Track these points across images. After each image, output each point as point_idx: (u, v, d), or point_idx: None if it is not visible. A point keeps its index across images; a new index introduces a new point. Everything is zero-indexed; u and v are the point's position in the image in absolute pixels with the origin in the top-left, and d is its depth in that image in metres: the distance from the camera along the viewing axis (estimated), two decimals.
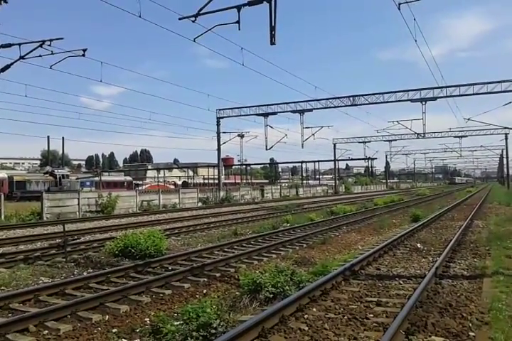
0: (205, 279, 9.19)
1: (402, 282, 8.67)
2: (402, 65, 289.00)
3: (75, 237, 16.17)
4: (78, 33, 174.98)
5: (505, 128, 51.18)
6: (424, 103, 37.48)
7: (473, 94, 35.24)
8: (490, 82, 34.56)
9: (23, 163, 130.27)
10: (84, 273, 9.95)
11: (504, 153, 74.83)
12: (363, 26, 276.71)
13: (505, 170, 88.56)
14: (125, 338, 5.88)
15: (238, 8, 13.12)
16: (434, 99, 36.68)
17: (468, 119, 41.92)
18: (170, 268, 10.42)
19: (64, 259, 11.60)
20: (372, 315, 6.46)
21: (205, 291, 8.29)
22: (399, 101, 38.07)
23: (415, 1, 14.46)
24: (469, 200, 40.91)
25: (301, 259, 11.44)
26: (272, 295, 7.12)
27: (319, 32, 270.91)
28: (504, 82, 34.37)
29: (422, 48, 23.36)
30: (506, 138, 64.39)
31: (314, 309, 6.80)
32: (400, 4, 14.18)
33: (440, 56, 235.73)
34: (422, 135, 48.05)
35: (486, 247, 12.62)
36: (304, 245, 14.08)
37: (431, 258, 11.24)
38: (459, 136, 60.89)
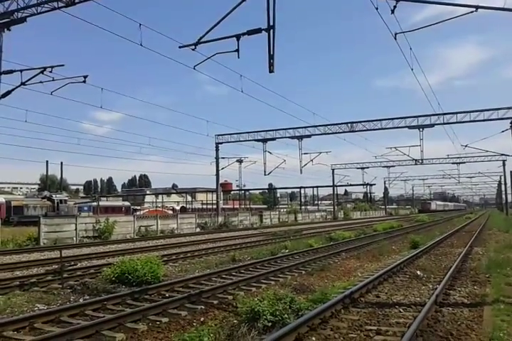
0: (203, 307, 9.06)
1: (402, 310, 8.57)
2: (400, 93, 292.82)
3: (72, 263, 16.03)
4: (80, 60, 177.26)
5: (503, 155, 51.39)
6: (421, 130, 37.87)
7: (470, 122, 35.69)
8: (487, 110, 35.05)
9: (21, 188, 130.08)
10: (81, 300, 9.81)
11: (502, 179, 75.11)
12: (361, 56, 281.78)
13: (503, 196, 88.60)
14: None
15: (237, 37, 13.44)
16: (432, 125, 37.09)
17: (466, 146, 42.36)
18: (167, 295, 10.30)
19: (60, 286, 11.47)
20: None
21: (202, 319, 8.17)
22: (396, 127, 38.52)
23: (411, 31, 14.81)
24: (468, 227, 40.74)
25: (300, 286, 11.31)
26: (270, 324, 7.03)
27: (316, 58, 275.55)
28: (500, 109, 34.87)
29: (419, 76, 23.77)
30: (504, 165, 64.71)
31: (313, 338, 6.71)
32: (396, 34, 14.53)
33: (437, 84, 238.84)
34: (420, 161, 48.25)
35: (486, 274, 12.52)
36: (303, 272, 13.95)
37: (431, 286, 11.13)
38: (456, 163, 61.31)
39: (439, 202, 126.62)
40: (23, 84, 21.29)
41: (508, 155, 42.60)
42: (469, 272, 13.25)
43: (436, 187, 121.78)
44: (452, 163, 62.07)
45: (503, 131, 37.15)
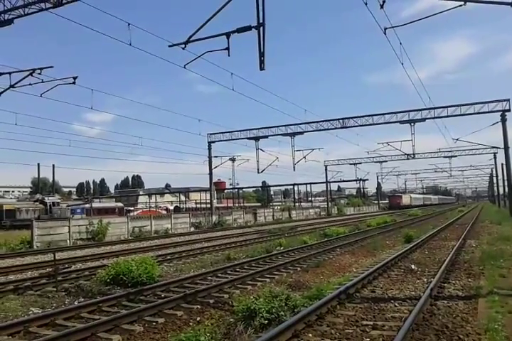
0: (199, 306, 9.05)
1: (397, 304, 8.60)
2: (391, 88, 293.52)
3: (66, 266, 15.95)
4: (69, 61, 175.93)
5: (494, 147, 51.69)
6: (412, 124, 37.91)
7: (460, 115, 35.79)
8: (477, 103, 35.17)
9: (13, 191, 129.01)
10: (76, 303, 9.77)
11: (494, 172, 75.56)
12: (352, 52, 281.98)
13: (495, 189, 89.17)
14: None
15: (227, 35, 13.40)
16: (423, 120, 37.15)
17: (457, 139, 42.65)
18: (162, 295, 10.27)
19: (55, 289, 11.40)
20: (368, 339, 6.39)
21: (198, 319, 8.15)
22: (388, 123, 38.55)
23: (400, 26, 14.84)
24: (461, 220, 41.00)
25: (296, 283, 11.33)
26: (266, 321, 7.02)
27: (307, 55, 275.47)
28: (490, 102, 35.01)
29: (409, 71, 23.83)
30: (495, 158, 65.00)
31: (310, 334, 6.72)
32: (385, 29, 14.55)
33: (428, 78, 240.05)
34: (412, 156, 48.39)
35: (480, 267, 12.61)
36: (298, 268, 13.97)
37: (425, 279, 11.19)
38: (448, 156, 61.51)
39: (415, 195, 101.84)
40: (12, 86, 21.13)
41: (499, 148, 42.69)
42: (463, 265, 13.34)
43: (428, 181, 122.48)
44: (444, 157, 62.29)
45: (493, 124, 37.35)
